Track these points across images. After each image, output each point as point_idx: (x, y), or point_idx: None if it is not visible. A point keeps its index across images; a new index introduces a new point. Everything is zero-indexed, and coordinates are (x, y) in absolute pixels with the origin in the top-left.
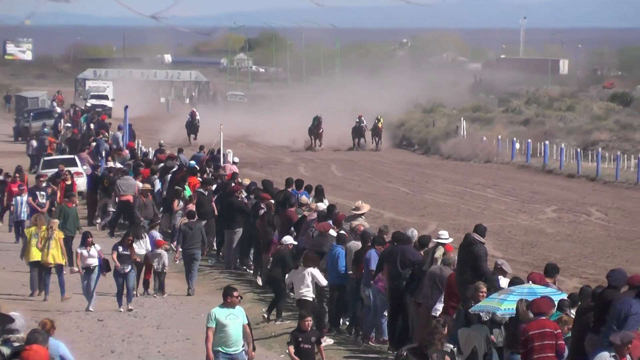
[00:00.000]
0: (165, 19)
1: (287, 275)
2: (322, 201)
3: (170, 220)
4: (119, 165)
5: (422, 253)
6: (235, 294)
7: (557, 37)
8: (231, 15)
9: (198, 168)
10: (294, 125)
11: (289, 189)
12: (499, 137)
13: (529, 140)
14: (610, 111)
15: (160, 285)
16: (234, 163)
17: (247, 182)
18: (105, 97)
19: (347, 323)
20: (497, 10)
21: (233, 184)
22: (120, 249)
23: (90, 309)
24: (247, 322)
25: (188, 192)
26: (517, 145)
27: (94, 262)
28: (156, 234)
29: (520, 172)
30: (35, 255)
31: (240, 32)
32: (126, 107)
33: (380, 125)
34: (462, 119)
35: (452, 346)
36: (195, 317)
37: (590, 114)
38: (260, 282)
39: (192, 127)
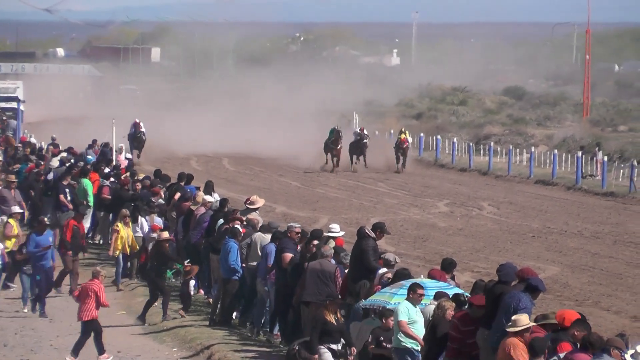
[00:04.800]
0: (59, 12)
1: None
2: (211, 195)
3: (60, 217)
4: None
5: (313, 247)
6: (420, 291)
7: (450, 31)
8: (126, 9)
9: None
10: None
11: (181, 183)
12: (392, 130)
13: (422, 134)
14: (503, 105)
15: None
16: (126, 158)
17: (141, 176)
18: (16, 99)
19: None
20: (391, 4)
21: (123, 177)
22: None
23: None
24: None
25: (90, 186)
26: (410, 139)
27: None
28: (157, 219)
29: (412, 166)
30: None
31: (134, 26)
32: (19, 100)
33: (403, 137)
34: (354, 112)
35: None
36: None
37: (482, 108)
38: None
39: (136, 139)
